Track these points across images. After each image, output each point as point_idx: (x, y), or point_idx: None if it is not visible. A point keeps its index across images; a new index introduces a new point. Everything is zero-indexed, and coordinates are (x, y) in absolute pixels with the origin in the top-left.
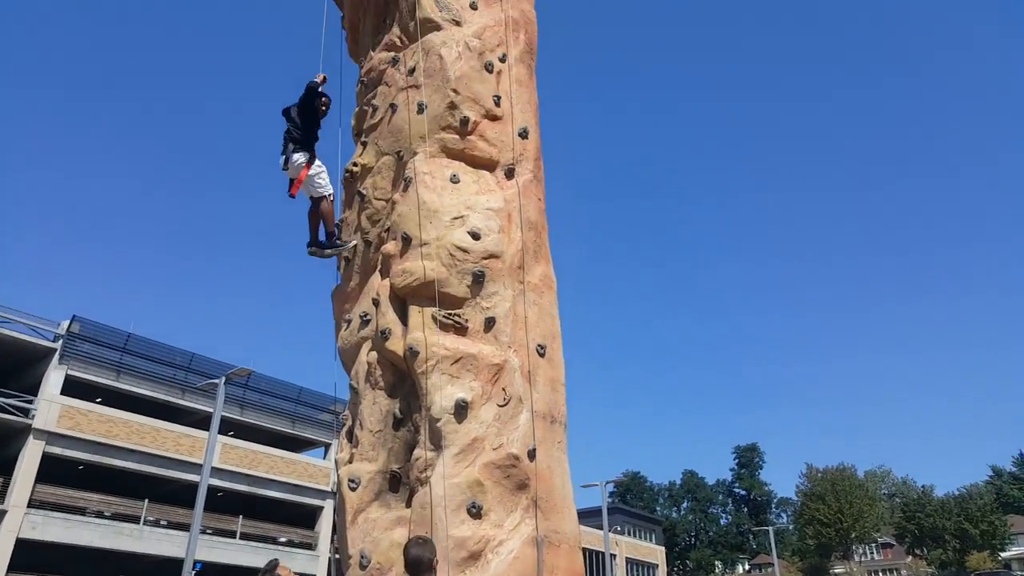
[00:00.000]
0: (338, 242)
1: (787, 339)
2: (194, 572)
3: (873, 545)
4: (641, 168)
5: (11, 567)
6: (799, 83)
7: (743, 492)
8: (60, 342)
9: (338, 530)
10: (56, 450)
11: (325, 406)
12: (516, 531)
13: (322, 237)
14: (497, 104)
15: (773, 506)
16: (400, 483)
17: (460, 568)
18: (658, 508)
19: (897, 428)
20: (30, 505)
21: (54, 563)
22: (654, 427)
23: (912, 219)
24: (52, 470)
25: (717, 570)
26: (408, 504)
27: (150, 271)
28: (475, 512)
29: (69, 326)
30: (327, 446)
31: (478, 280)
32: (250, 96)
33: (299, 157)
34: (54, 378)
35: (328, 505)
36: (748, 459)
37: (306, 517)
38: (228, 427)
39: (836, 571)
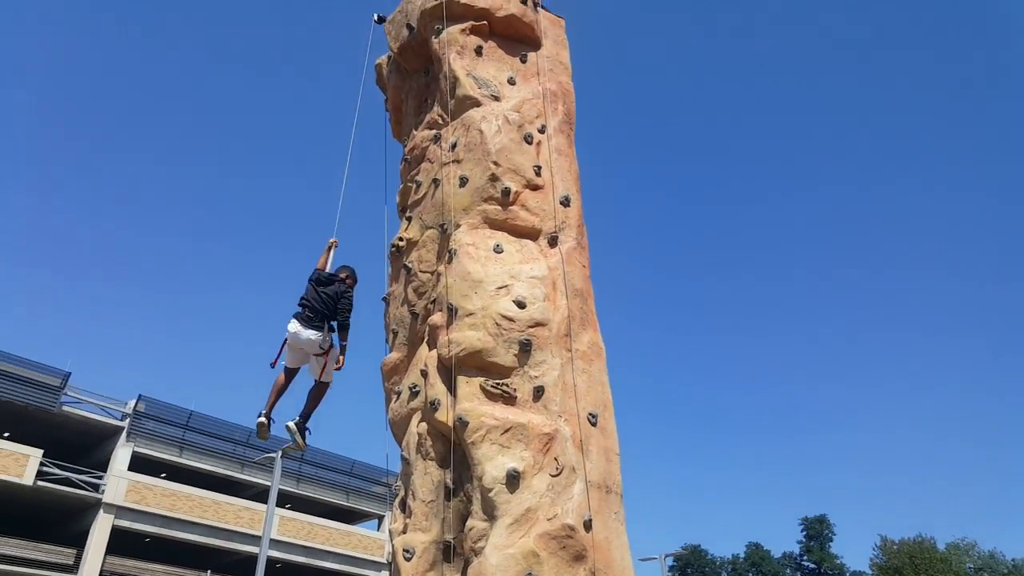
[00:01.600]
0: (307, 430)
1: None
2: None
3: None
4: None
5: None
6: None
7: (812, 565)
8: (127, 420)
9: None
10: (124, 523)
11: (378, 479)
12: None
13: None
14: (538, 174)
15: None
16: (454, 553)
17: None
18: None
19: (980, 496)
20: (101, 575)
21: None
22: (714, 498)
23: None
24: (121, 542)
25: None
26: (463, 574)
27: (208, 352)
28: None
29: (135, 405)
30: (380, 518)
31: (525, 349)
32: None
33: (314, 336)
34: (122, 455)
35: None
36: (817, 531)
37: None
38: (285, 500)
39: None
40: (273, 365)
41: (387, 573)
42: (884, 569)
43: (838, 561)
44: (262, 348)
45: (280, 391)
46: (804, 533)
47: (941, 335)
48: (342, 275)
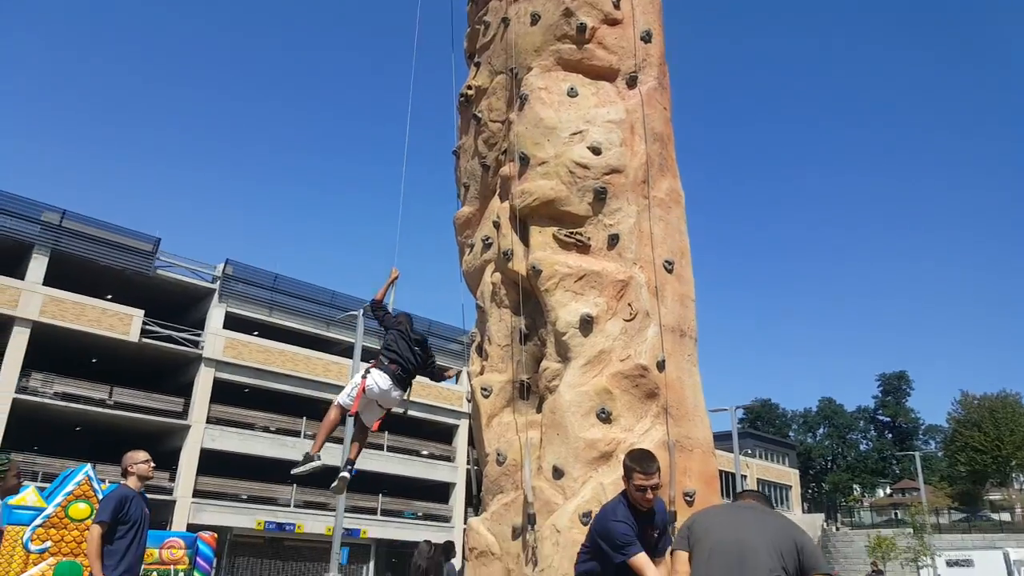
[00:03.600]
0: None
1: (942, 260)
2: (350, 473)
3: None
4: (778, 64)
5: (199, 471)
6: None
7: (887, 419)
8: (218, 283)
9: (475, 433)
10: (224, 376)
11: (453, 337)
12: (646, 436)
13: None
14: (616, 7)
15: (920, 433)
16: (529, 391)
17: (592, 467)
18: (791, 434)
19: None
20: (208, 421)
21: (232, 469)
22: (789, 353)
23: None
24: (223, 392)
25: (855, 493)
26: (538, 410)
27: (291, 216)
28: (604, 417)
29: (224, 268)
30: (458, 373)
31: (600, 197)
32: (375, 43)
33: (399, 396)
34: (216, 315)
35: (463, 424)
36: (894, 386)
37: (444, 434)
38: (368, 356)
39: (991, 498)
40: (352, 414)
41: (466, 421)
42: (962, 423)
43: (914, 415)
44: (338, 214)
45: (331, 431)
46: (880, 388)
47: None
48: (420, 333)
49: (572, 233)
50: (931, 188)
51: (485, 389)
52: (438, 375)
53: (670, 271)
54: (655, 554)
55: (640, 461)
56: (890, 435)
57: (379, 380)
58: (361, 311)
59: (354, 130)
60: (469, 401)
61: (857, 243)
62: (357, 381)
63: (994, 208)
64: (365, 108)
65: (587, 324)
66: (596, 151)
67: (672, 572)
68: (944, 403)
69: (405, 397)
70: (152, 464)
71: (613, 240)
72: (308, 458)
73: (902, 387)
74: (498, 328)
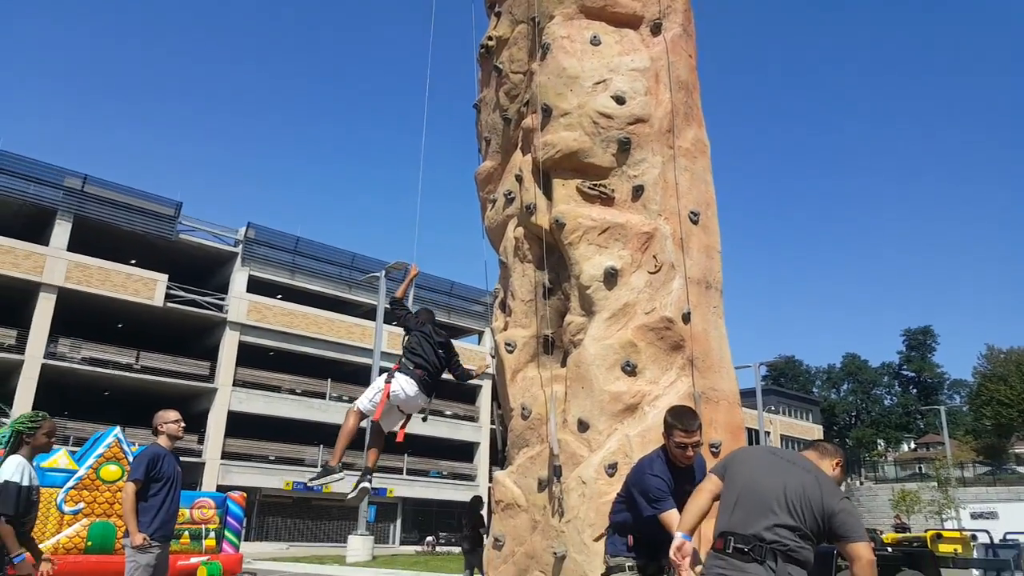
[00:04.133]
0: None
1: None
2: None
3: None
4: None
5: (227, 433)
6: None
7: (911, 374)
8: (240, 247)
9: (499, 388)
10: (249, 339)
11: (476, 298)
12: (672, 387)
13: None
14: None
15: (945, 388)
16: (554, 346)
17: (617, 419)
18: (815, 391)
19: None
20: (234, 384)
21: (259, 431)
22: (811, 311)
23: None
24: (248, 355)
25: (879, 448)
26: (563, 364)
27: (309, 178)
28: (629, 370)
29: (246, 232)
30: (480, 334)
31: (624, 147)
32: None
33: (425, 402)
34: (239, 278)
35: (486, 385)
36: (919, 342)
37: (467, 394)
38: (390, 318)
39: (1017, 451)
40: (375, 420)
41: (489, 382)
42: (988, 377)
43: (939, 370)
44: (356, 174)
45: (351, 440)
46: (906, 344)
47: None
48: (443, 334)
49: (596, 185)
50: (956, 139)
51: (509, 344)
52: (464, 376)
53: (695, 222)
54: None
55: (681, 418)
56: (915, 390)
57: (405, 386)
58: (383, 272)
59: (372, 88)
60: (493, 358)
61: (883, 197)
62: (380, 386)
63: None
64: (383, 65)
65: (611, 277)
66: (620, 100)
67: (699, 488)
68: (970, 358)
69: (429, 402)
70: (182, 424)
71: (638, 191)
72: (328, 470)
73: (927, 342)
74: (521, 283)
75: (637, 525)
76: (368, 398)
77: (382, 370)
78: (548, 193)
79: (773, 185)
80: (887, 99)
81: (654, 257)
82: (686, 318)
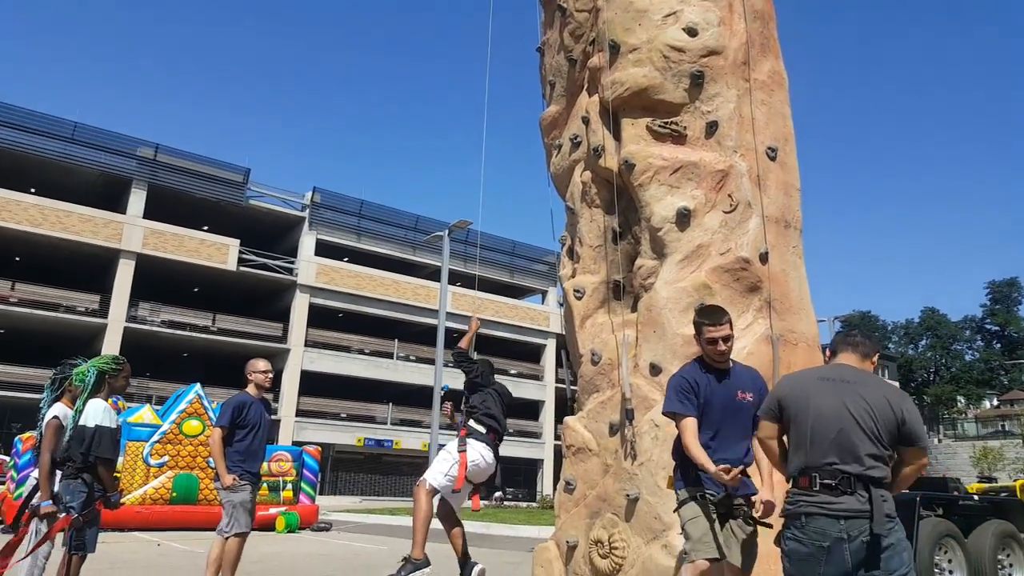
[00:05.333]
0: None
1: None
2: (442, 393)
3: None
4: None
5: (300, 392)
6: None
7: (995, 328)
8: (307, 211)
9: (567, 335)
10: (319, 301)
11: (539, 257)
12: (749, 330)
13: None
14: None
15: None
16: (624, 291)
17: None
18: (891, 347)
19: None
20: (306, 345)
21: (330, 389)
22: (889, 265)
23: None
24: (319, 317)
25: (959, 405)
26: (633, 309)
27: (372, 140)
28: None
29: (312, 196)
30: (544, 293)
31: (696, 82)
32: None
33: (493, 466)
34: (307, 242)
35: (550, 344)
36: (1004, 294)
37: (531, 353)
38: (454, 278)
39: None
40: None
41: (553, 341)
42: None
43: None
44: (417, 135)
45: (429, 524)
46: (989, 297)
47: None
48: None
49: (667, 123)
50: None
51: (578, 291)
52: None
53: (773, 158)
54: (746, 426)
55: (708, 314)
56: (998, 344)
57: (485, 454)
58: (446, 232)
59: (431, 47)
60: (561, 305)
61: (964, 147)
62: (454, 456)
63: None
64: (442, 21)
65: (684, 218)
66: (692, 32)
67: (756, 439)
68: None
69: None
70: (270, 375)
71: (711, 128)
72: (415, 565)
73: (1013, 295)
74: (589, 229)
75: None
76: (442, 472)
77: (446, 330)
78: (616, 134)
79: (850, 132)
80: (964, 44)
81: (729, 196)
82: (763, 258)
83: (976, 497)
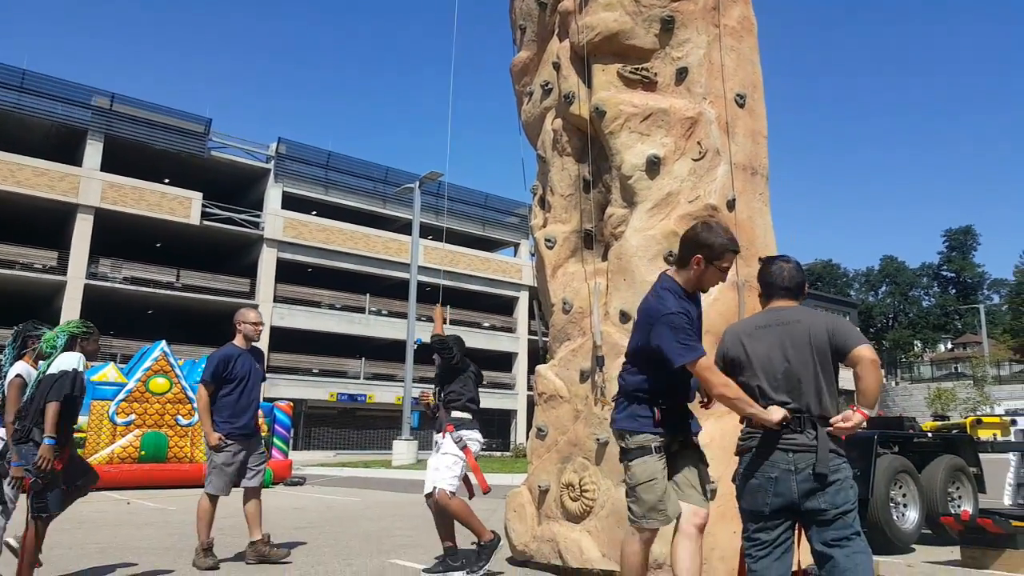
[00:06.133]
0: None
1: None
2: (415, 347)
3: None
4: None
5: (271, 348)
6: None
7: (951, 275)
8: (272, 163)
9: (539, 285)
10: (287, 255)
11: (511, 210)
12: None
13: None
14: None
15: (985, 288)
16: (594, 240)
17: None
18: (852, 294)
19: None
20: (275, 300)
21: (302, 345)
22: (849, 214)
23: None
24: (287, 271)
25: (916, 349)
26: (604, 258)
27: (336, 90)
28: (672, 261)
29: (277, 147)
30: (516, 246)
31: (667, 27)
32: None
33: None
34: (273, 195)
35: (523, 296)
36: (960, 242)
37: (504, 306)
38: (425, 232)
39: None
40: (486, 491)
41: (526, 293)
42: None
43: (979, 270)
44: (384, 85)
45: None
46: (946, 245)
47: None
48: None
49: (637, 69)
50: (991, 34)
51: (549, 240)
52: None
53: (742, 105)
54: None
55: (735, 241)
56: (954, 291)
57: (479, 439)
58: (416, 184)
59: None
60: (533, 255)
61: (920, 94)
62: (458, 455)
63: None
64: None
65: (654, 166)
66: None
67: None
68: (1012, 256)
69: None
70: (260, 327)
71: (681, 74)
72: (489, 545)
73: (968, 242)
74: (560, 177)
75: (659, 387)
76: (455, 476)
77: (418, 284)
78: (588, 81)
79: (810, 81)
80: None
81: (698, 143)
82: (731, 205)
83: (929, 435)
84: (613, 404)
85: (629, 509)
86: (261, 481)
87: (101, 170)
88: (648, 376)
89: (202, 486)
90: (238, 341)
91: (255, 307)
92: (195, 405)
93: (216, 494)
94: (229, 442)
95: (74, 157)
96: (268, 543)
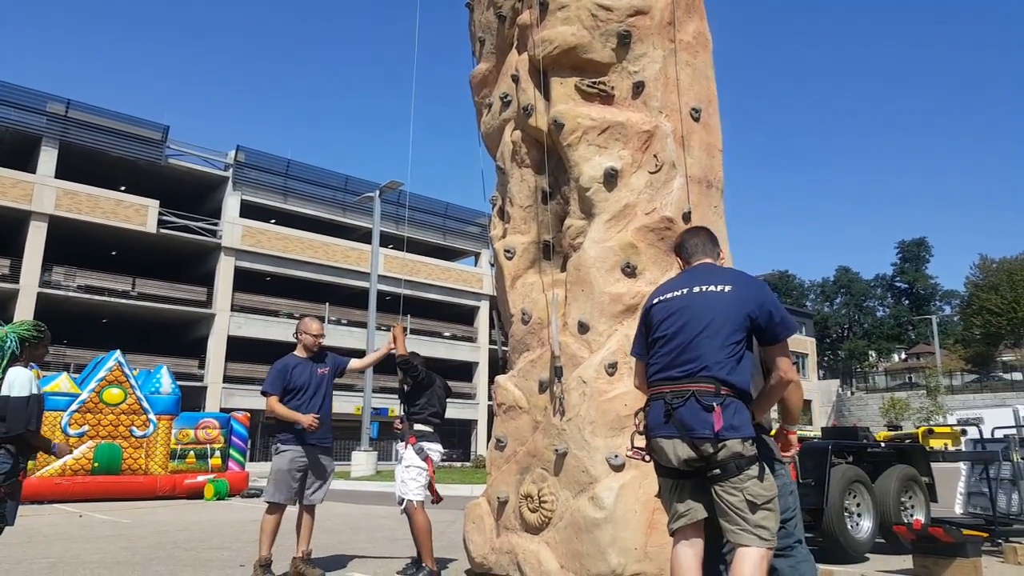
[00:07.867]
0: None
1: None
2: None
3: None
4: None
5: (227, 358)
6: None
7: (904, 286)
8: (231, 171)
9: (498, 295)
10: (245, 264)
11: (472, 219)
12: None
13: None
14: None
15: (937, 299)
16: (552, 251)
17: (618, 320)
18: (808, 304)
19: None
20: (232, 309)
21: (259, 354)
22: (805, 226)
23: None
24: (245, 280)
25: (871, 359)
26: (563, 269)
27: (297, 98)
28: (629, 271)
29: (236, 155)
30: (476, 255)
31: (624, 42)
32: None
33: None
34: (231, 203)
35: (483, 305)
36: (914, 253)
37: (465, 316)
38: (385, 241)
39: (1004, 359)
40: (436, 502)
41: (486, 303)
42: (979, 286)
43: (932, 281)
44: (345, 92)
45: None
46: (900, 256)
47: None
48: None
49: (595, 83)
50: (942, 53)
51: (508, 251)
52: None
53: (697, 119)
54: None
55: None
56: (907, 301)
57: (440, 449)
58: (376, 193)
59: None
60: (492, 266)
61: (876, 110)
62: (421, 466)
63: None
64: None
65: (611, 178)
66: None
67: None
68: (963, 268)
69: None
70: (321, 338)
71: (638, 88)
72: (432, 573)
73: (921, 254)
74: (519, 189)
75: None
76: (421, 486)
77: (378, 293)
78: (546, 94)
79: (765, 97)
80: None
81: (655, 156)
82: (686, 218)
83: (883, 444)
84: (717, 407)
85: (759, 528)
86: (321, 498)
87: (56, 177)
88: (747, 368)
89: (157, 498)
90: (298, 351)
91: (320, 319)
92: (150, 417)
93: (272, 502)
94: (285, 447)
95: (28, 164)
96: (306, 559)
